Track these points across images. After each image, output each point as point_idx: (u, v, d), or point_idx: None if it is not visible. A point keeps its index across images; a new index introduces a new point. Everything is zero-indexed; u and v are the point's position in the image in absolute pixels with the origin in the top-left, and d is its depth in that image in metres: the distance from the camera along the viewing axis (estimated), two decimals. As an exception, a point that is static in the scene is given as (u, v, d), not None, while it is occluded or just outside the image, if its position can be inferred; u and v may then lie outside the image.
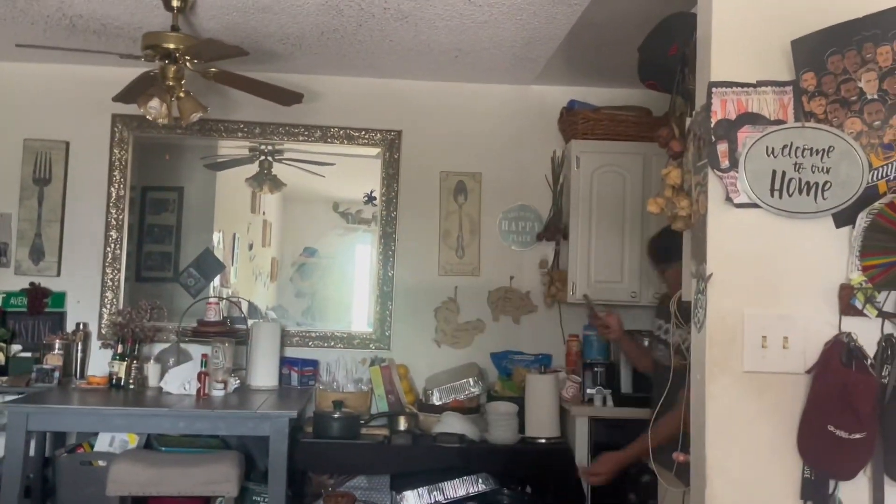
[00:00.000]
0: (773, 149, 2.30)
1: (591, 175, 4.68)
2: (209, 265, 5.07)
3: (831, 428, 2.20)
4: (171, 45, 3.71)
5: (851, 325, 2.29)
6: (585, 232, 4.67)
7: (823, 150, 2.28)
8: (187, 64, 3.83)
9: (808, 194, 2.29)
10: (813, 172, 2.28)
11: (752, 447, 2.31)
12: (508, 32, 4.14)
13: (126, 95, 4.11)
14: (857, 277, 2.30)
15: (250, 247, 5.17)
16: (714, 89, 2.34)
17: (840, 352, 2.25)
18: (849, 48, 2.29)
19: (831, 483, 2.27)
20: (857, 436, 2.18)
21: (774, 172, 2.29)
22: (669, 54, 2.81)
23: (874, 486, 2.28)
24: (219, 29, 4.14)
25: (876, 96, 2.30)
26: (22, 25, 4.23)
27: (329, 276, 5.16)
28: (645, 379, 4.58)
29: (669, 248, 3.11)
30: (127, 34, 4.25)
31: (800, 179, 2.29)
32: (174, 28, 3.80)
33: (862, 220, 2.29)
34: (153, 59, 3.83)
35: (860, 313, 2.28)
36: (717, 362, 2.33)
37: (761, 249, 2.33)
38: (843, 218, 2.31)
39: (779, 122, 2.32)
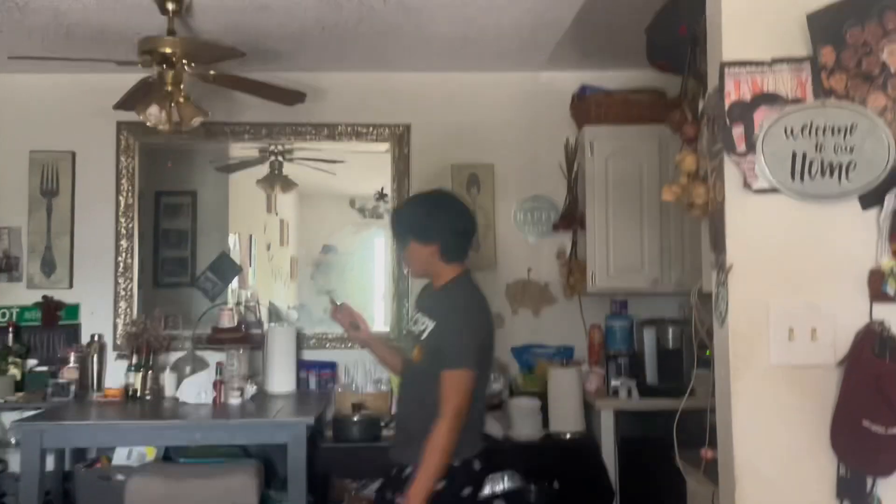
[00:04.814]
0: (792, 129, 2.19)
1: (605, 161, 4.55)
2: (226, 268, 5.03)
3: (866, 423, 2.10)
4: (168, 49, 3.63)
5: (883, 312, 2.19)
6: (602, 219, 4.55)
7: (846, 128, 2.17)
8: (185, 68, 3.74)
9: (831, 176, 2.18)
10: (836, 153, 2.17)
11: (782, 445, 2.22)
12: (513, 18, 4.03)
13: (126, 103, 4.04)
14: (887, 262, 2.18)
15: (268, 247, 5.13)
16: (727, 69, 2.23)
17: (872, 341, 2.15)
18: (869, 19, 2.17)
19: (868, 481, 2.17)
20: (895, 430, 2.07)
21: (794, 154, 2.18)
22: (679, 34, 2.69)
23: (915, 482, 2.17)
24: (217, 30, 4.05)
25: (900, 69, 2.18)
26: (19, 37, 4.17)
27: (348, 273, 5.12)
28: (671, 368, 4.48)
29: (405, 223, 2.95)
30: (125, 40, 4.16)
31: (822, 161, 2.18)
32: (170, 32, 3.72)
33: (890, 200, 2.18)
34: (151, 65, 3.75)
35: (892, 300, 2.17)
36: (742, 357, 2.23)
37: (784, 236, 2.23)
38: (870, 199, 2.19)
39: (797, 101, 2.21)
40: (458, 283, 2.93)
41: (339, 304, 3.28)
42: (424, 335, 2.85)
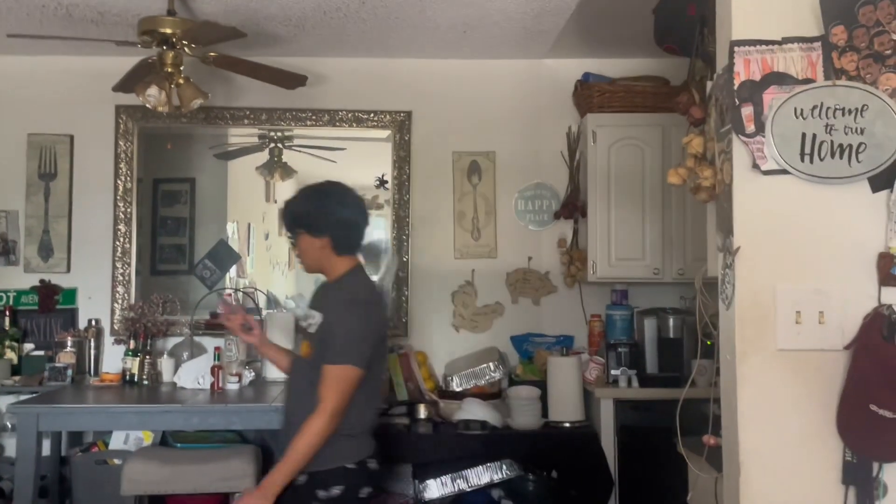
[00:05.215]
0: (801, 110, 2.15)
1: (608, 149, 4.53)
2: (224, 256, 4.98)
3: (874, 407, 2.07)
4: (168, 30, 3.59)
5: (892, 296, 2.17)
6: (604, 208, 4.53)
7: (856, 109, 2.14)
8: (185, 49, 3.71)
9: (841, 158, 2.15)
10: (846, 134, 2.14)
11: (788, 430, 2.19)
12: (517, 4, 3.99)
13: (125, 84, 4.00)
14: (896, 245, 2.15)
15: (266, 236, 5.07)
16: (736, 48, 2.20)
17: (881, 325, 2.12)
18: (882, -3, 2.14)
19: (875, 466, 2.14)
20: (902, 415, 2.05)
21: (804, 135, 2.15)
22: (687, 15, 2.65)
23: (922, 468, 2.14)
24: (218, 12, 4.01)
25: (912, 49, 2.15)
26: (18, 17, 4.12)
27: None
28: (671, 358, 4.46)
29: (295, 215, 2.89)
30: (125, 21, 4.13)
31: (832, 142, 2.15)
32: (170, 12, 3.68)
33: (901, 183, 2.14)
34: (150, 46, 3.72)
35: (901, 284, 2.14)
36: (749, 341, 2.20)
37: (792, 219, 2.20)
38: (880, 181, 2.17)
39: (807, 81, 2.18)
40: (350, 277, 2.83)
41: (231, 305, 3.22)
42: (312, 328, 2.77)
